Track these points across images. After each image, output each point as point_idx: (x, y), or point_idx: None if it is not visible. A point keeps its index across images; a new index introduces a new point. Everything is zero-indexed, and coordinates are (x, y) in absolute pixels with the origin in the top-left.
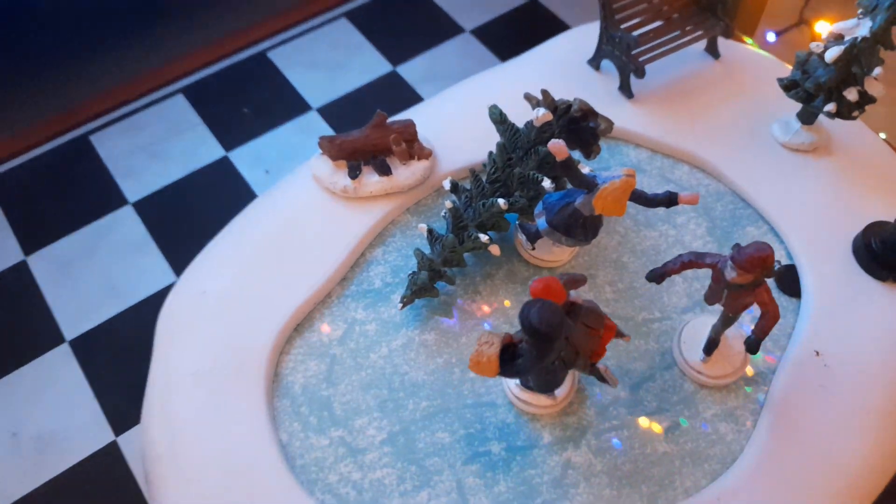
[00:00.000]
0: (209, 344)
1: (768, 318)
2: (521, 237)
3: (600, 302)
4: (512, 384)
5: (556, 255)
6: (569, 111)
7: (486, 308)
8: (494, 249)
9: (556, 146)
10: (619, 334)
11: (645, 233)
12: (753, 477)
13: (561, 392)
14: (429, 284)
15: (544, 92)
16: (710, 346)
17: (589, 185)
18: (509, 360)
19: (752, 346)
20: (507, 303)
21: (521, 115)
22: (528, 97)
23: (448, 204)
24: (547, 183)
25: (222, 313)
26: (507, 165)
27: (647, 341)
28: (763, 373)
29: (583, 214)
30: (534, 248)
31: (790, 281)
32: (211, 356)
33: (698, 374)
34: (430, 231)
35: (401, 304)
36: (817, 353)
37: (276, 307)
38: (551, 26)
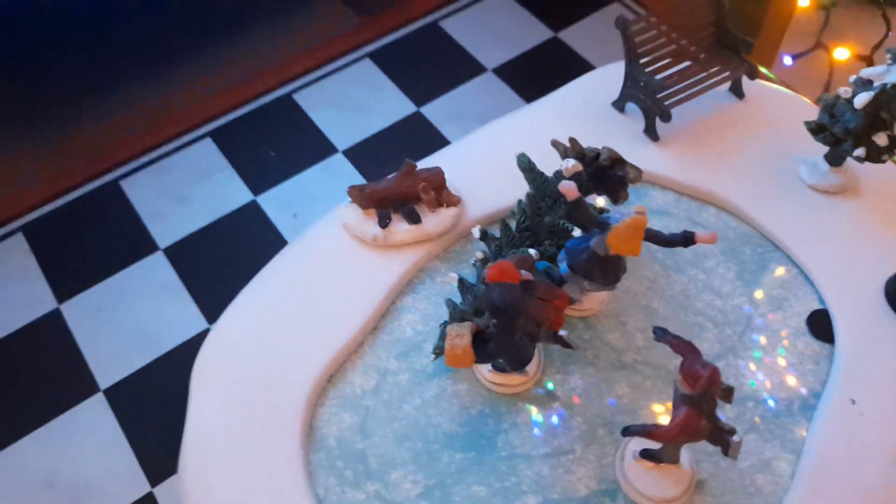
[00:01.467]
0: (244, 397)
1: (661, 431)
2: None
3: (631, 350)
4: (485, 371)
5: (585, 303)
6: (597, 160)
7: None
8: None
9: (567, 187)
10: (573, 301)
11: (675, 278)
12: None
13: (531, 367)
14: None
15: (572, 140)
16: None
17: (601, 224)
18: (481, 346)
19: (624, 430)
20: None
21: (545, 156)
22: (555, 144)
23: (479, 254)
24: (577, 232)
25: (256, 365)
26: (537, 214)
27: None
28: (799, 421)
29: (599, 255)
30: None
31: (823, 325)
32: (246, 409)
33: (632, 487)
34: (461, 281)
35: (434, 355)
36: (853, 402)
37: (309, 358)
38: (573, 64)
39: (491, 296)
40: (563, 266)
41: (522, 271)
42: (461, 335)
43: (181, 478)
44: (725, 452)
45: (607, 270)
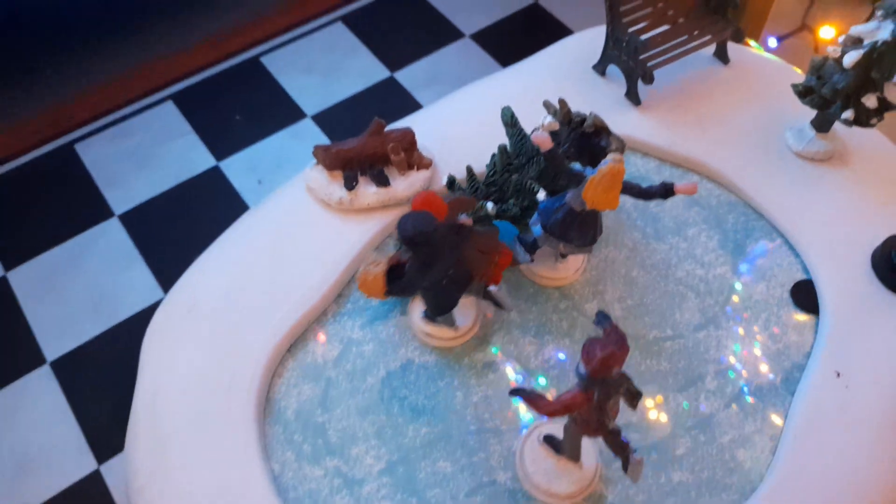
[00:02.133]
0: (197, 365)
1: (543, 402)
2: (519, 251)
3: None
4: (416, 319)
5: (559, 271)
6: (582, 125)
7: (491, 325)
8: None
9: (540, 137)
10: (515, 262)
11: (654, 246)
12: None
13: (463, 323)
14: None
15: (562, 101)
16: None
17: (576, 177)
18: (397, 279)
19: (512, 391)
20: (513, 315)
21: (523, 120)
22: (546, 105)
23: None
24: (542, 194)
25: (212, 332)
26: (506, 170)
27: (658, 361)
28: (782, 394)
29: (576, 211)
30: (532, 261)
31: (807, 296)
32: (199, 379)
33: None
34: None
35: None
36: (838, 374)
37: (268, 325)
38: (554, 31)
39: (404, 224)
40: (536, 228)
41: (462, 215)
42: (377, 262)
43: (127, 452)
44: (625, 468)
45: (584, 229)
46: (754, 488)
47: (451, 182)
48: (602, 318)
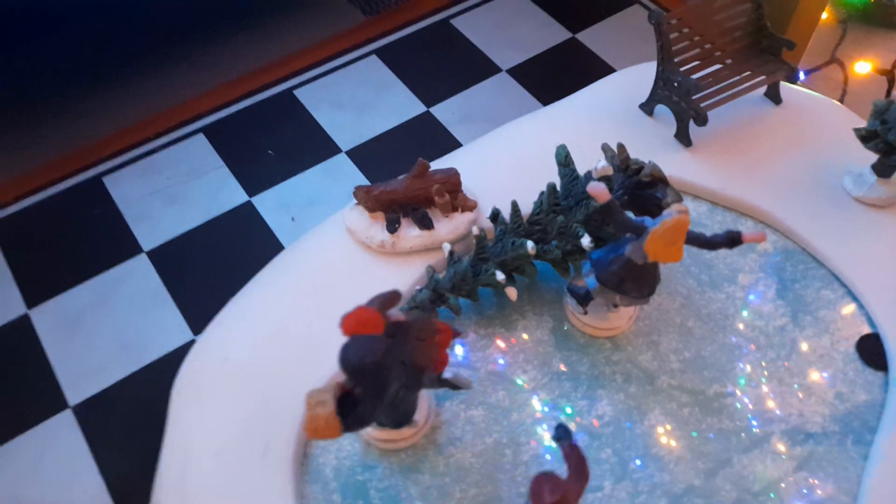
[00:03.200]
0: (230, 418)
1: None
2: (570, 302)
3: (665, 373)
4: (368, 429)
5: (612, 321)
6: (639, 173)
7: (540, 377)
8: (511, 292)
9: (597, 189)
10: (456, 334)
11: (710, 294)
12: None
13: (420, 416)
14: (428, 305)
15: (620, 146)
16: None
17: (637, 229)
18: (350, 411)
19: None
20: (563, 367)
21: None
22: (605, 148)
23: (475, 230)
24: (586, 240)
25: (246, 383)
26: (553, 211)
27: (720, 419)
28: (853, 458)
29: (635, 264)
30: (585, 313)
31: (875, 351)
32: (232, 433)
33: None
34: (451, 254)
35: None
36: None
37: (305, 377)
38: (592, 66)
39: (345, 355)
40: (590, 281)
41: (392, 311)
42: (322, 402)
43: None
44: None
45: (642, 282)
46: None
47: (495, 216)
48: (561, 432)
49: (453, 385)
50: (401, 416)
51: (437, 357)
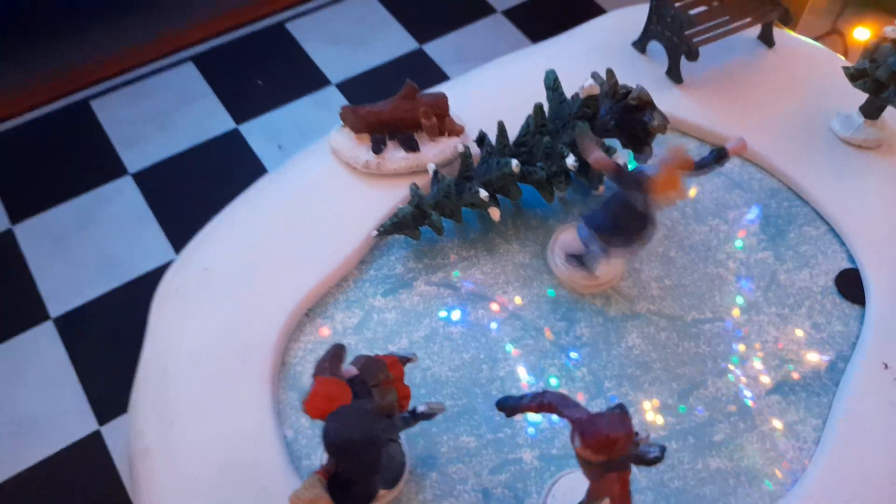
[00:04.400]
0: (210, 326)
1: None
2: (572, 264)
3: (645, 299)
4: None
5: (600, 277)
6: (626, 97)
7: (520, 299)
8: (494, 213)
9: (600, 160)
10: (404, 360)
11: (694, 226)
12: (816, 500)
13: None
14: (411, 221)
15: (609, 71)
16: None
17: (641, 180)
18: (345, 493)
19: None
20: (543, 290)
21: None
22: (594, 75)
23: (460, 147)
24: (571, 160)
25: (226, 293)
26: (539, 132)
27: (697, 344)
28: (827, 385)
29: (633, 206)
30: (597, 276)
31: (853, 286)
32: (211, 340)
33: None
34: (435, 173)
35: (376, 233)
36: (885, 366)
37: (285, 289)
38: (587, 10)
39: (334, 439)
40: (581, 230)
41: (345, 367)
42: (315, 501)
43: (131, 413)
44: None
45: (638, 224)
46: (796, 479)
47: (482, 139)
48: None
49: (429, 416)
50: (395, 472)
51: (400, 394)
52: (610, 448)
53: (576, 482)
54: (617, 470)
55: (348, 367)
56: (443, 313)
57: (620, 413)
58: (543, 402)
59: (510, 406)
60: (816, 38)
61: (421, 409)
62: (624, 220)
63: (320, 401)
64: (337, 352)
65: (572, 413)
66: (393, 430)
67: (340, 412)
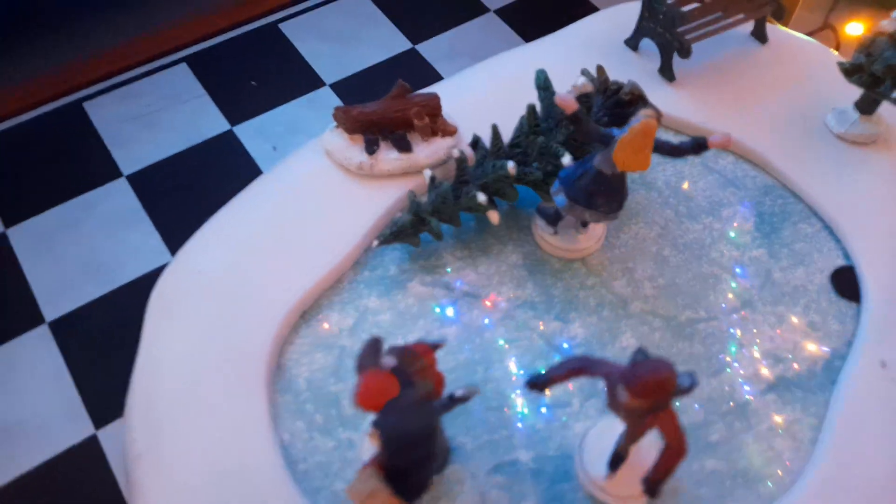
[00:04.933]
0: (205, 330)
1: (671, 454)
2: (540, 224)
3: (639, 299)
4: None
5: (581, 242)
6: (618, 92)
7: (514, 299)
8: (493, 216)
9: (564, 100)
10: (434, 346)
11: (687, 225)
12: (815, 501)
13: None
14: (410, 229)
15: (600, 67)
16: (616, 461)
17: (605, 138)
18: (402, 484)
19: (651, 488)
20: (537, 290)
21: (557, 90)
22: (584, 72)
23: (456, 152)
24: (567, 159)
25: (221, 296)
26: (533, 133)
27: (691, 344)
28: (823, 384)
29: (604, 175)
30: (555, 233)
31: (848, 283)
32: (206, 344)
33: (600, 492)
34: (432, 179)
35: (376, 243)
36: (883, 365)
37: (280, 291)
38: (580, 8)
39: (389, 434)
40: (559, 199)
41: (384, 360)
42: (374, 493)
43: (127, 418)
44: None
45: (612, 194)
46: (794, 480)
47: (476, 142)
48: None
49: (465, 399)
50: (442, 459)
51: (435, 380)
52: (661, 389)
53: (603, 433)
54: (663, 409)
55: (386, 359)
56: (437, 314)
57: (656, 359)
58: (572, 368)
59: (541, 382)
60: (809, 34)
61: (458, 393)
62: (597, 192)
63: (372, 395)
64: (375, 345)
65: (604, 370)
66: (435, 417)
67: (393, 406)
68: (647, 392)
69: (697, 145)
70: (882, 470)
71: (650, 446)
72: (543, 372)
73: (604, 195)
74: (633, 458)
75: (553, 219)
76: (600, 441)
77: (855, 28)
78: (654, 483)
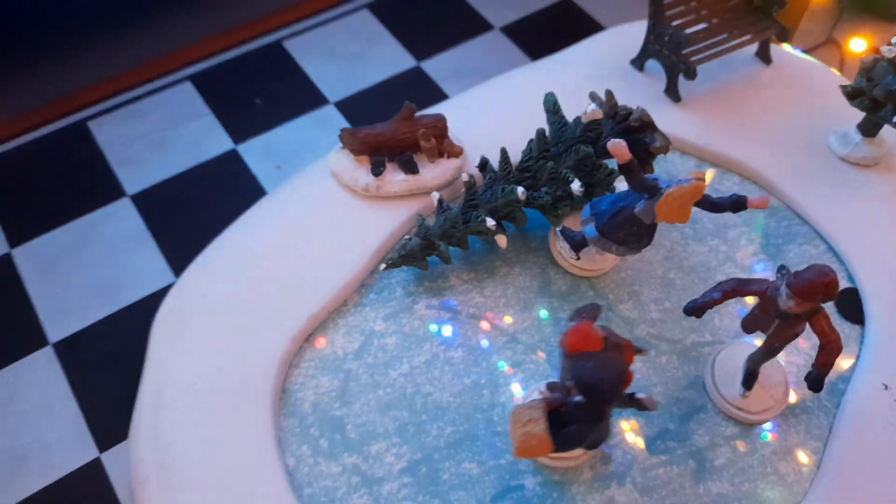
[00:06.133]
0: (210, 353)
1: (832, 350)
2: (561, 245)
3: (645, 322)
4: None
5: (598, 262)
6: (627, 119)
7: (521, 322)
8: (501, 240)
9: (617, 147)
10: (638, 350)
11: (693, 247)
12: None
13: None
14: (419, 253)
15: (609, 93)
16: (750, 379)
17: (651, 189)
18: (558, 429)
19: (815, 382)
20: (543, 313)
21: (564, 113)
22: (592, 95)
23: (465, 176)
24: (576, 185)
25: (225, 319)
26: (542, 157)
27: (696, 367)
28: (827, 408)
29: (641, 222)
30: (578, 258)
31: (852, 306)
32: (211, 367)
33: (738, 410)
34: (440, 202)
35: (384, 266)
36: (886, 387)
37: (285, 315)
38: (586, 27)
39: (585, 373)
40: (588, 228)
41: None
42: (534, 420)
43: (131, 442)
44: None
45: (643, 237)
46: (798, 502)
47: (484, 164)
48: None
49: (642, 406)
50: (600, 436)
51: (627, 377)
52: (826, 289)
53: (733, 354)
54: (818, 313)
55: (604, 330)
56: (444, 337)
57: (817, 265)
58: (726, 290)
59: (697, 307)
60: (813, 49)
61: (640, 395)
62: (631, 233)
63: (580, 336)
64: (595, 310)
65: (758, 285)
66: (617, 398)
67: (598, 356)
68: (813, 294)
69: (736, 204)
70: (887, 490)
71: (772, 367)
72: (698, 299)
73: (636, 237)
74: (761, 376)
75: (578, 245)
76: (728, 365)
77: (858, 44)
78: (817, 378)
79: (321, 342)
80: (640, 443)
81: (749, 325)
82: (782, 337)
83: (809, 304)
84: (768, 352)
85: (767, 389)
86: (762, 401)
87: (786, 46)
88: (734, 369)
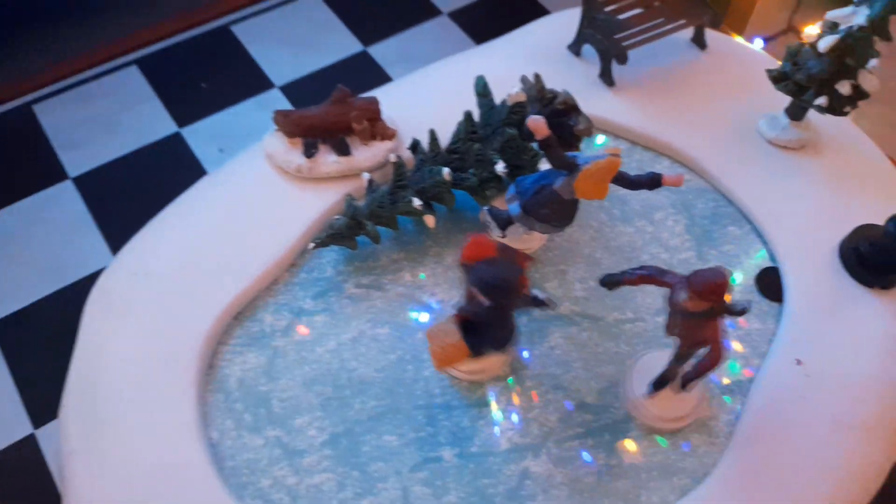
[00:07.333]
0: (139, 331)
1: (712, 357)
2: (489, 224)
3: (569, 299)
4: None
5: (525, 241)
6: (553, 101)
7: (448, 300)
8: (429, 220)
9: (536, 123)
10: (542, 302)
11: (620, 228)
12: (726, 493)
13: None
14: (346, 232)
15: (537, 76)
16: (661, 382)
17: (570, 166)
18: (472, 337)
19: (685, 383)
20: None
21: (498, 97)
22: (523, 79)
23: (393, 157)
24: (500, 166)
25: (157, 296)
26: (470, 139)
27: (617, 343)
28: (741, 382)
29: (561, 198)
30: (504, 236)
31: (772, 284)
32: (140, 344)
33: (645, 412)
34: (370, 182)
35: (312, 245)
36: (798, 362)
37: (215, 293)
38: (534, 12)
39: (483, 275)
40: (513, 206)
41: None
42: (447, 331)
43: (61, 416)
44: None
45: (565, 214)
46: (707, 473)
47: (415, 146)
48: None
49: (542, 303)
50: (507, 337)
51: (523, 278)
52: (718, 291)
53: (653, 362)
54: (714, 318)
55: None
56: (371, 315)
57: (716, 266)
58: (644, 275)
59: (613, 281)
60: (772, 36)
61: (541, 296)
62: (552, 210)
63: (475, 245)
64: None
65: (671, 278)
66: (517, 298)
67: (494, 260)
68: (707, 292)
69: (653, 181)
70: (794, 460)
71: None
72: (618, 273)
73: (558, 214)
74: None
75: (504, 223)
76: (649, 368)
77: (813, 30)
78: (689, 380)
79: (249, 319)
80: (556, 416)
81: (669, 326)
82: (688, 340)
83: (703, 303)
84: (678, 357)
85: (681, 398)
86: (674, 408)
87: (738, 38)
88: (653, 373)
